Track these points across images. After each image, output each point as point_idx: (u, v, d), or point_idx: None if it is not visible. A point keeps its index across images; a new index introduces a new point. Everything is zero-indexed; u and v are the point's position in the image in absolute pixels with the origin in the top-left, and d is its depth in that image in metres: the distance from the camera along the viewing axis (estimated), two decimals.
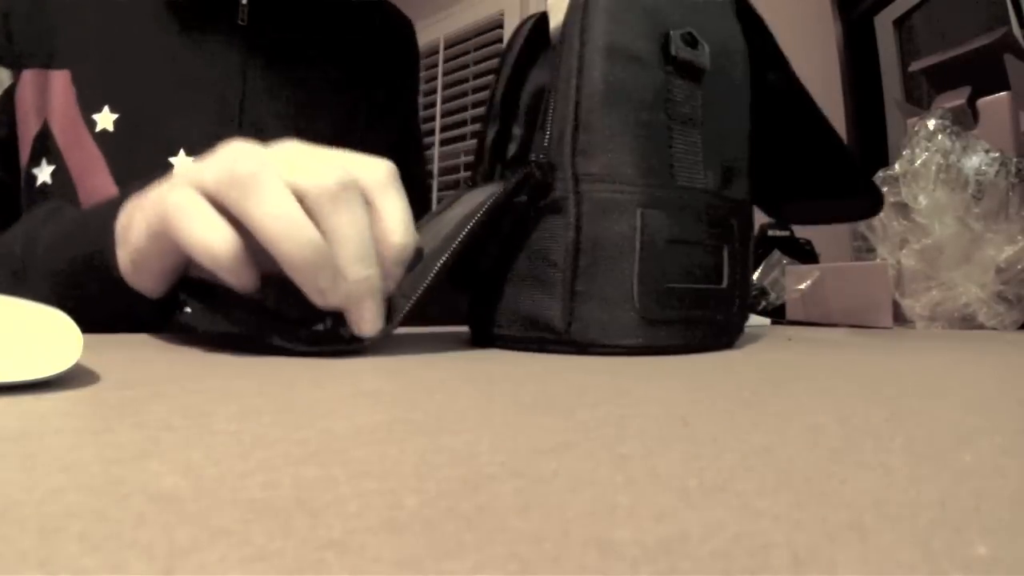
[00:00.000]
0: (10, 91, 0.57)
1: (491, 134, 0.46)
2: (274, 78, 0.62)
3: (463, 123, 2.60)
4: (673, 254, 0.39)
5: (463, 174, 2.57)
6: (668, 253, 0.39)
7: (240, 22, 0.60)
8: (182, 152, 0.57)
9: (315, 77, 0.65)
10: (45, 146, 0.56)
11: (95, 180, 0.55)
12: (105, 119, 0.55)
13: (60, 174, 0.56)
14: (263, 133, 0.62)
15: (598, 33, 0.40)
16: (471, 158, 2.53)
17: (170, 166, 0.56)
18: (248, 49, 0.61)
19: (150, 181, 0.37)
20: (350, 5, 0.70)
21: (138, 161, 0.56)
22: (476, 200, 0.40)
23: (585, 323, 0.38)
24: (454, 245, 0.36)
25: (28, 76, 0.57)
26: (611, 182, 0.39)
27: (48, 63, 0.57)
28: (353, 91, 0.69)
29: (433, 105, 2.70)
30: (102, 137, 0.55)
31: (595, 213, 0.39)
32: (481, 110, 2.49)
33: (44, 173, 0.56)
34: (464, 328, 0.49)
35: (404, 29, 0.77)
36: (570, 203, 0.39)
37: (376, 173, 0.35)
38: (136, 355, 0.31)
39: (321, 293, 0.32)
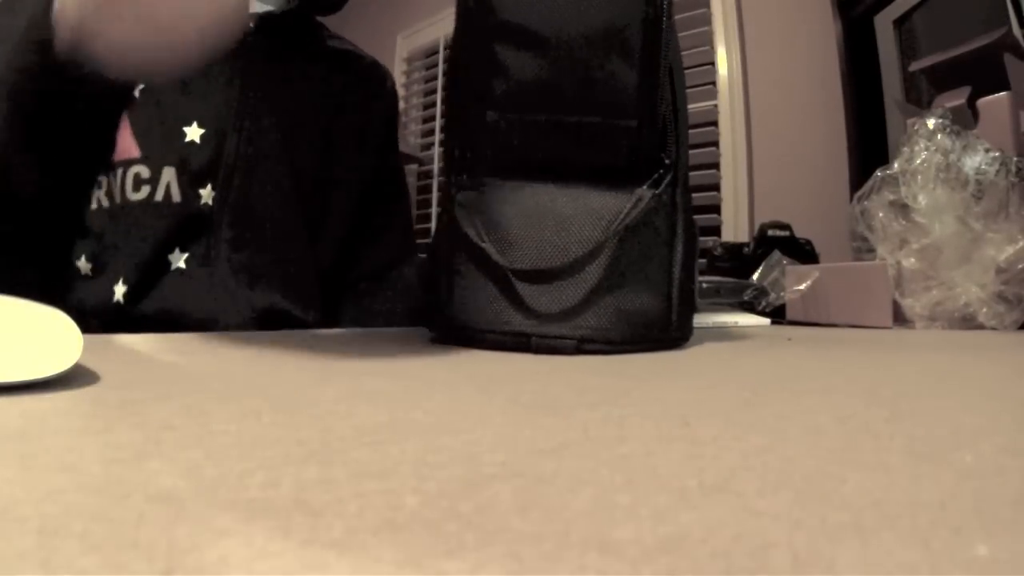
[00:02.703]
0: None
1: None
2: (268, 82, 0.69)
3: None
4: None
5: None
6: None
7: (247, 38, 0.68)
8: (195, 124, 0.64)
9: (302, 94, 0.73)
10: None
11: (122, 136, 0.62)
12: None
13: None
14: (259, 121, 0.67)
15: (675, 46, 0.42)
16: None
17: (184, 135, 0.63)
18: (250, 54, 0.68)
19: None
20: (334, 51, 0.78)
21: (156, 127, 0.63)
22: (616, 206, 0.39)
23: (684, 319, 0.42)
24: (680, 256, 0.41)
25: None
26: (689, 192, 0.44)
27: None
28: (330, 123, 0.75)
29: (433, 105, 2.70)
30: (129, 101, 0.63)
31: (690, 218, 0.43)
32: None
33: None
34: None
35: (382, 79, 0.85)
36: (679, 208, 0.42)
37: None
38: (136, 355, 0.31)
39: None
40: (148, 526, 0.10)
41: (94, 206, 0.63)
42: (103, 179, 0.62)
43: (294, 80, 0.72)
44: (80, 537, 0.09)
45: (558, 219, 0.38)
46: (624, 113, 0.39)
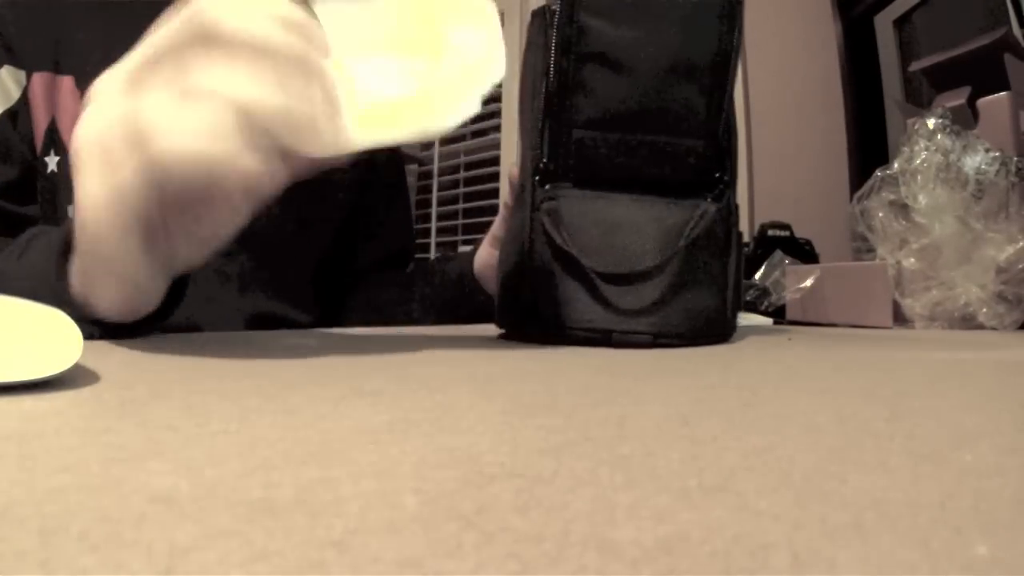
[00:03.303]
0: (24, 90, 0.65)
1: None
2: None
3: (462, 123, 2.59)
4: None
5: (463, 174, 2.56)
6: None
7: None
8: None
9: None
10: (53, 139, 0.63)
11: None
12: None
13: (66, 165, 0.62)
14: None
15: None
16: (471, 158, 2.52)
17: None
18: None
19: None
20: None
21: None
22: (679, 218, 0.44)
23: (735, 315, 0.47)
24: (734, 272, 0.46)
25: (37, 78, 0.64)
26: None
27: (55, 69, 0.64)
28: None
29: None
30: None
31: (738, 224, 0.47)
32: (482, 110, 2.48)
33: (52, 162, 0.63)
34: (464, 327, 0.49)
35: None
36: (733, 216, 0.46)
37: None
38: (136, 355, 0.31)
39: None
40: (148, 526, 0.10)
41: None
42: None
43: None
44: (80, 537, 0.09)
45: (634, 228, 0.43)
46: (692, 134, 0.45)
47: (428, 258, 0.86)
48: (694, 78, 0.44)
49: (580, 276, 0.43)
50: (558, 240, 0.43)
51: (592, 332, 0.42)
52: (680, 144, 0.45)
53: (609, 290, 0.42)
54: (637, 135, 0.44)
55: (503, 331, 0.49)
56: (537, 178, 0.46)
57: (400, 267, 0.79)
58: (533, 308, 0.44)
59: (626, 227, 0.43)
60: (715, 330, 0.45)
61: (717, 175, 0.46)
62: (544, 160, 0.46)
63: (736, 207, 0.47)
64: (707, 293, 0.44)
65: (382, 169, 0.79)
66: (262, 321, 0.63)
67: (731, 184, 0.46)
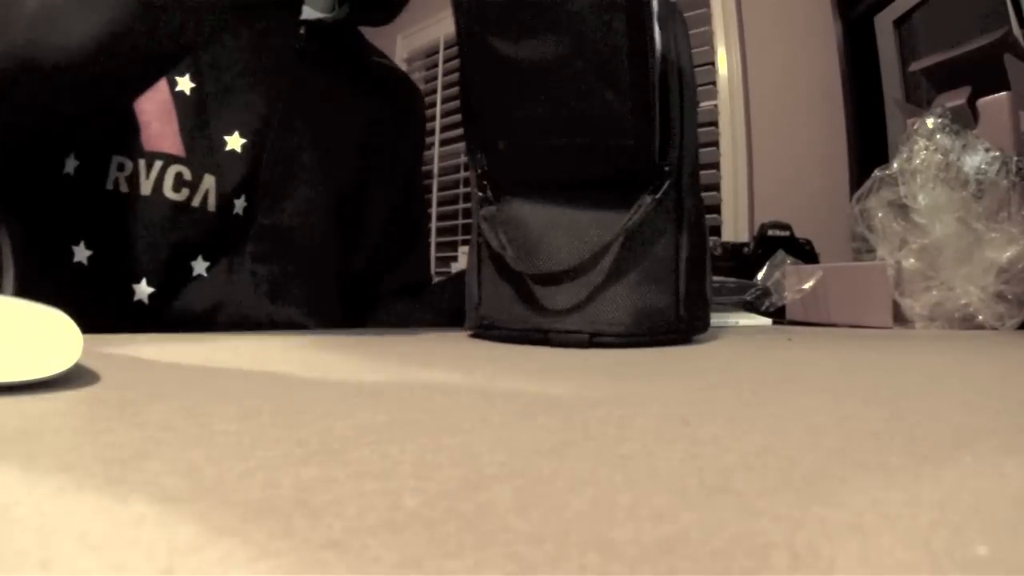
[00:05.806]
0: None
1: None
2: (311, 96, 0.69)
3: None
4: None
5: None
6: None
7: (296, 46, 0.68)
8: (236, 133, 0.64)
9: (342, 109, 0.73)
10: None
11: (164, 128, 0.63)
12: (185, 83, 0.64)
13: (125, 114, 0.63)
14: (296, 138, 0.67)
15: (684, 47, 0.46)
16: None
17: (224, 143, 0.64)
18: (298, 64, 0.69)
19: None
20: (372, 65, 0.79)
21: (201, 132, 0.64)
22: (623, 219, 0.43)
23: (693, 313, 0.45)
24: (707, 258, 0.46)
25: None
26: (697, 192, 0.47)
27: None
28: (367, 141, 0.76)
29: (433, 105, 2.70)
30: (180, 96, 0.64)
31: (698, 218, 0.46)
32: None
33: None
34: (460, 328, 0.49)
35: (414, 96, 0.86)
36: (684, 209, 0.45)
37: None
38: (136, 356, 0.31)
39: None
40: (148, 526, 0.10)
41: (109, 187, 0.59)
42: (126, 162, 0.60)
43: (335, 95, 0.72)
44: (80, 537, 0.09)
45: (568, 227, 0.43)
46: (620, 134, 0.43)
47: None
48: (609, 80, 0.41)
49: (514, 279, 0.43)
50: (494, 244, 0.44)
51: (529, 332, 0.43)
52: (605, 144, 0.43)
53: (541, 290, 0.43)
54: (561, 140, 0.43)
55: (470, 334, 0.50)
56: (479, 186, 0.47)
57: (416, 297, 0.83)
58: (483, 311, 0.46)
59: (560, 227, 0.43)
60: (663, 328, 0.43)
61: (657, 167, 0.44)
62: (481, 168, 0.47)
63: (692, 195, 0.45)
64: (651, 290, 0.43)
65: (411, 198, 0.82)
66: (287, 329, 0.64)
67: (676, 174, 0.44)
